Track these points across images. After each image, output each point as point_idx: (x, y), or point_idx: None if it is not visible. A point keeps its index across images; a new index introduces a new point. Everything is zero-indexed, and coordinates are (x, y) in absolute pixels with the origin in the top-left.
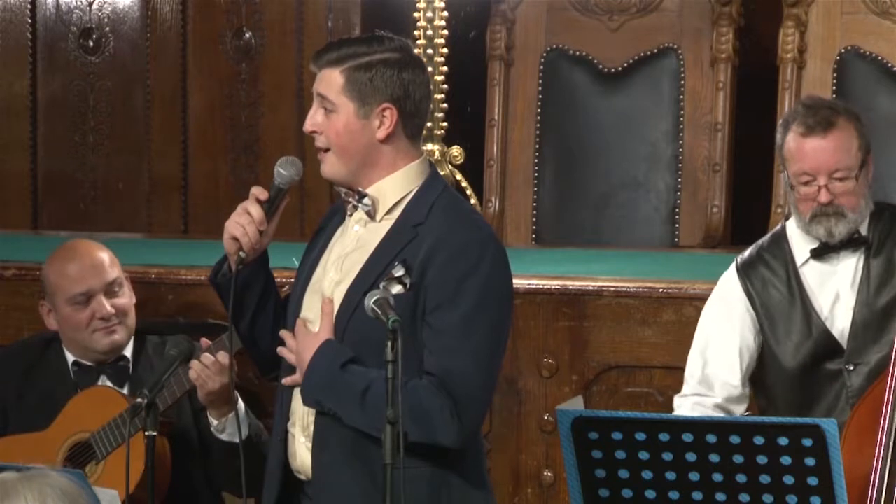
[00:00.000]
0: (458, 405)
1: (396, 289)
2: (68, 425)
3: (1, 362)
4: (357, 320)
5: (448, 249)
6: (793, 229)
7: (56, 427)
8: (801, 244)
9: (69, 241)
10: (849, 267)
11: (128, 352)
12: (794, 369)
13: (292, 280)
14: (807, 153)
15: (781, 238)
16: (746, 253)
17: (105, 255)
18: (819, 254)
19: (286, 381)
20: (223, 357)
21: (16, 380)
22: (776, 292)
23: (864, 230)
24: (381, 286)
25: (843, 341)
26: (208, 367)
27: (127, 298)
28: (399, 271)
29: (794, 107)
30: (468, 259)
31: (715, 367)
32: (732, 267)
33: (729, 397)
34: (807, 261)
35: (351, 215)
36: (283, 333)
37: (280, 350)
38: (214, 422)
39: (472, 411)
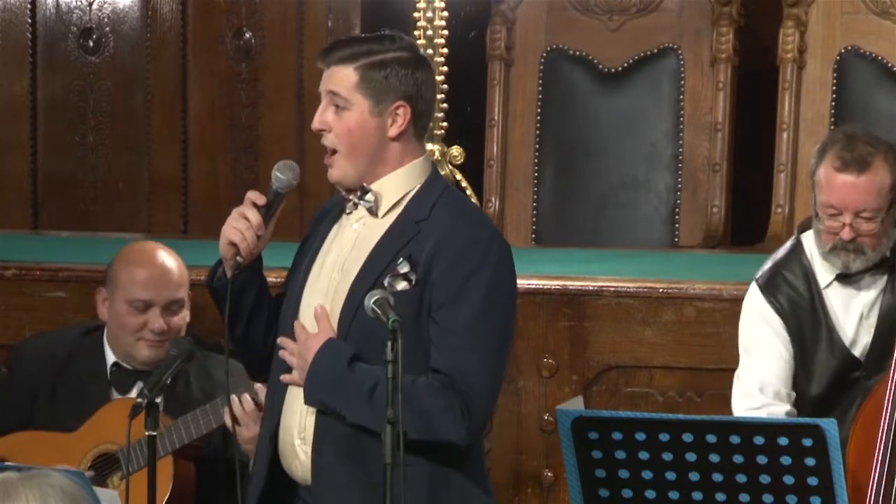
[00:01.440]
0: (467, 403)
1: (401, 285)
2: (98, 433)
3: (39, 351)
4: (361, 319)
5: (454, 246)
6: (812, 248)
7: (85, 432)
8: (824, 266)
9: (146, 242)
10: (874, 285)
11: None
12: (816, 386)
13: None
14: (836, 188)
15: (801, 255)
16: (765, 271)
17: (176, 271)
18: (844, 277)
19: (284, 378)
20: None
21: (52, 370)
22: (802, 312)
23: (888, 250)
24: (385, 282)
25: (864, 357)
26: (247, 413)
27: (183, 319)
28: (404, 267)
29: (835, 132)
30: (475, 256)
31: (775, 380)
32: (754, 288)
33: (792, 406)
34: (830, 283)
35: (349, 213)
36: (282, 340)
37: (281, 353)
38: None
39: (481, 408)
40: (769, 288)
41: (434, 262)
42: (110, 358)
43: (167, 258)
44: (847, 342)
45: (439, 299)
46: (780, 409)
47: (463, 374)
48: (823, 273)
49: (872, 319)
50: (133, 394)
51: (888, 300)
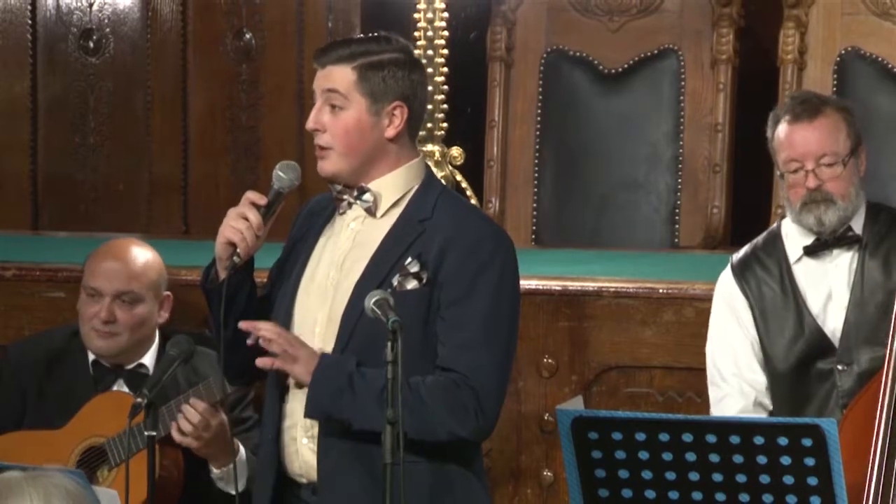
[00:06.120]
0: (479, 400)
1: (412, 284)
2: (84, 427)
3: (28, 352)
4: (366, 318)
5: (463, 243)
6: (788, 227)
7: (71, 427)
8: (794, 242)
9: (123, 239)
10: (842, 266)
11: (149, 360)
12: (786, 367)
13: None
14: (795, 140)
15: (776, 236)
16: (741, 252)
17: (136, 265)
18: (813, 251)
19: (265, 361)
20: (207, 413)
21: (39, 370)
22: (769, 290)
23: (857, 229)
24: (395, 281)
25: (835, 340)
26: (195, 425)
27: (139, 314)
28: (414, 266)
29: (783, 101)
30: (483, 253)
31: (741, 368)
32: (727, 271)
33: (761, 392)
34: (800, 258)
35: (343, 213)
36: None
37: (263, 344)
38: (215, 471)
39: (492, 405)
40: (740, 267)
41: (444, 260)
42: (91, 357)
43: (134, 252)
44: (815, 316)
45: (449, 297)
46: (748, 399)
47: (474, 371)
48: (794, 248)
49: (842, 301)
50: (115, 389)
51: (858, 281)
